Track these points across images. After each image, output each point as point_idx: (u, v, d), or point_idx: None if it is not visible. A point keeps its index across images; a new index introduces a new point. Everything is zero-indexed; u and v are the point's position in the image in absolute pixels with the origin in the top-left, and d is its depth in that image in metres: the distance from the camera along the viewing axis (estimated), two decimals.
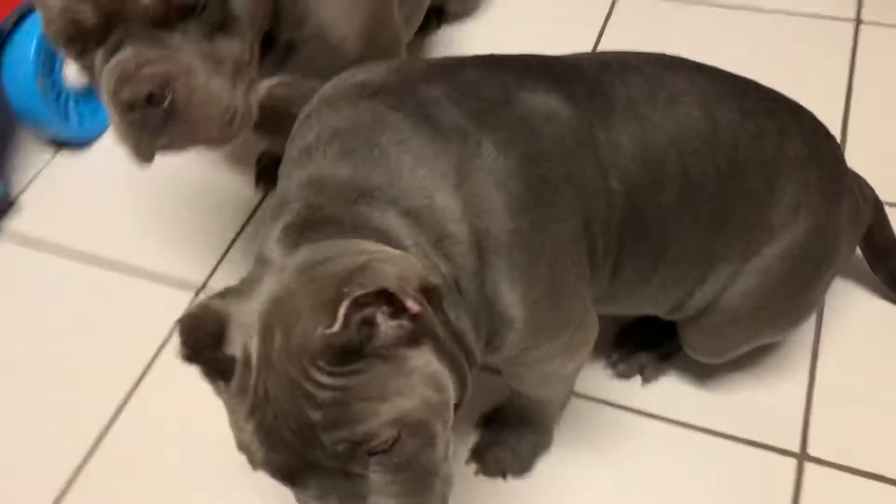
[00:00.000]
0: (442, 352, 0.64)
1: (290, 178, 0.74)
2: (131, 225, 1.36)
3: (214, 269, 1.28)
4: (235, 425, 0.64)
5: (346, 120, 0.74)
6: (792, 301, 0.95)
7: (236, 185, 1.38)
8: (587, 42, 1.54)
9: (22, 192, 1.43)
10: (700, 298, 0.91)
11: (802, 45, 1.48)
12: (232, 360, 0.62)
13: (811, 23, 1.51)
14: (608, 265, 0.84)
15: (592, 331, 0.86)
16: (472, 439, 1.02)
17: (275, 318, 0.60)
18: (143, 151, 0.86)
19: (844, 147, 1.28)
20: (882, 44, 1.46)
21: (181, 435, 1.09)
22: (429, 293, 0.62)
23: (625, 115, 0.81)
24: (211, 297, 0.66)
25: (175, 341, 0.63)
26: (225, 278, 1.26)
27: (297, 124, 0.81)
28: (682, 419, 1.03)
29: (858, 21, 1.49)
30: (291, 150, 0.78)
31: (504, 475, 0.99)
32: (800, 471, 0.97)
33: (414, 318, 0.61)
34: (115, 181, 1.43)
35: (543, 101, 0.78)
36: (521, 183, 0.73)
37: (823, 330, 1.11)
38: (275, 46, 0.94)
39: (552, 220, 0.76)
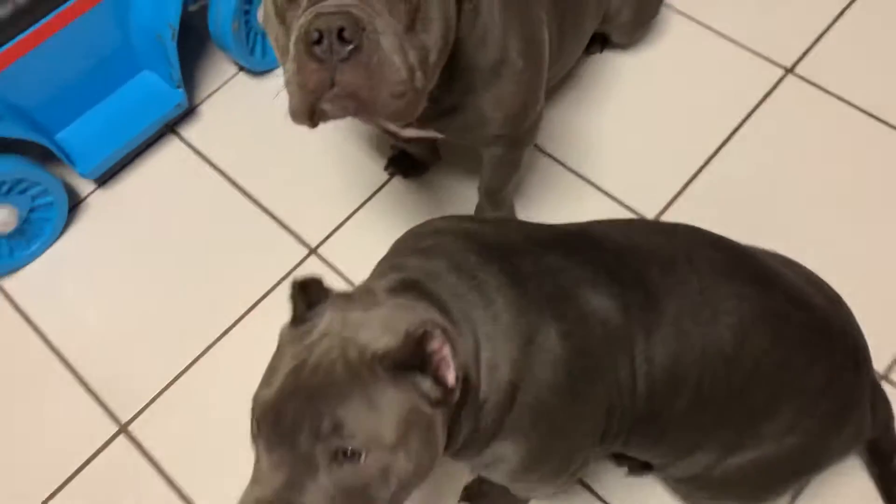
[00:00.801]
0: (441, 429, 0.79)
1: (409, 261, 0.90)
2: (276, 167, 1.58)
3: (328, 237, 1.50)
4: (273, 364, 0.80)
5: (451, 254, 0.89)
6: (761, 491, 1.08)
7: (369, 164, 1.57)
8: (733, 118, 1.56)
9: (202, 102, 1.67)
10: (680, 469, 1.06)
11: None
12: (309, 319, 0.81)
13: None
14: (618, 441, 0.99)
15: (580, 473, 1.02)
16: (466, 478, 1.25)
17: (357, 318, 0.79)
18: (310, 98, 0.89)
19: None
20: None
21: None
22: (465, 384, 0.78)
23: (668, 329, 0.92)
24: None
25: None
26: (331, 249, 1.48)
27: (412, 232, 0.98)
28: None
29: None
30: (403, 245, 0.96)
31: None
32: None
33: (446, 391, 0.77)
34: (276, 118, 1.63)
35: (604, 306, 0.90)
36: (566, 369, 0.87)
37: (803, 494, 1.23)
38: (441, 103, 1.06)
39: (580, 403, 0.90)
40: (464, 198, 1.50)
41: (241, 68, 1.70)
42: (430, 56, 0.95)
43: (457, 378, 0.77)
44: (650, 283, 0.93)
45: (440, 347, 0.75)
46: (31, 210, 1.46)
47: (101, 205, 1.58)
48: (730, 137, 1.55)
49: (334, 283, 1.40)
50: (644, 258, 0.95)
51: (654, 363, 0.92)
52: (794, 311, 0.98)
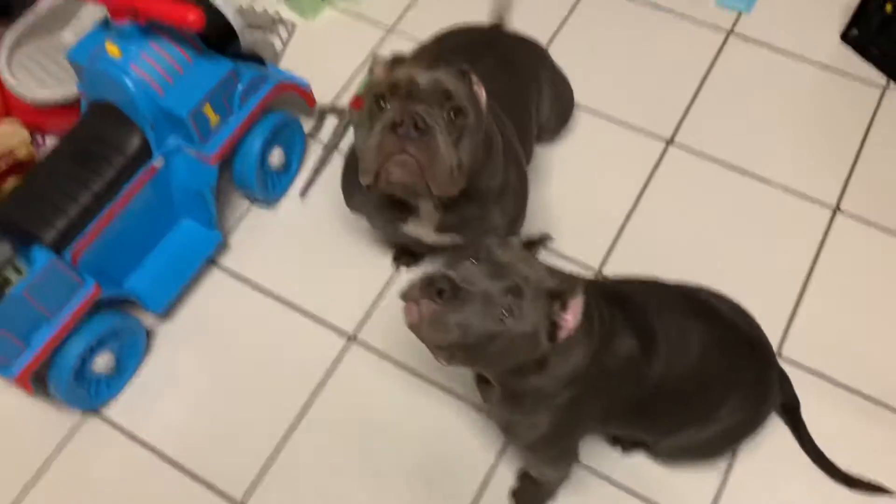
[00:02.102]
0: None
1: None
2: (301, 275, 1.99)
3: (361, 324, 1.92)
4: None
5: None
6: (721, 451, 1.65)
7: (379, 260, 2.01)
8: (637, 185, 2.10)
9: (228, 234, 2.06)
10: (669, 442, 1.58)
11: (785, 221, 2.03)
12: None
13: (794, 201, 2.05)
14: (612, 426, 1.49)
15: (574, 462, 1.53)
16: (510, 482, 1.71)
17: None
18: (381, 158, 1.33)
19: (790, 325, 1.88)
20: (853, 236, 1.98)
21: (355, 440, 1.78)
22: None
23: (661, 359, 1.40)
24: None
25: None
26: (369, 333, 1.91)
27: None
28: (629, 485, 1.70)
29: (837, 210, 2.03)
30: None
31: None
32: None
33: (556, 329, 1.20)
34: (292, 235, 2.05)
35: (630, 345, 1.37)
36: (595, 379, 1.34)
37: (741, 453, 1.75)
38: (464, 215, 1.52)
39: (591, 405, 1.38)
40: None
41: (252, 201, 2.10)
42: (463, 165, 1.42)
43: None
44: (654, 330, 1.41)
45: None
46: (122, 350, 1.81)
47: (165, 332, 1.93)
48: (638, 200, 2.08)
49: (377, 366, 1.85)
50: (651, 311, 1.43)
51: (650, 379, 1.41)
52: (730, 336, 1.51)
